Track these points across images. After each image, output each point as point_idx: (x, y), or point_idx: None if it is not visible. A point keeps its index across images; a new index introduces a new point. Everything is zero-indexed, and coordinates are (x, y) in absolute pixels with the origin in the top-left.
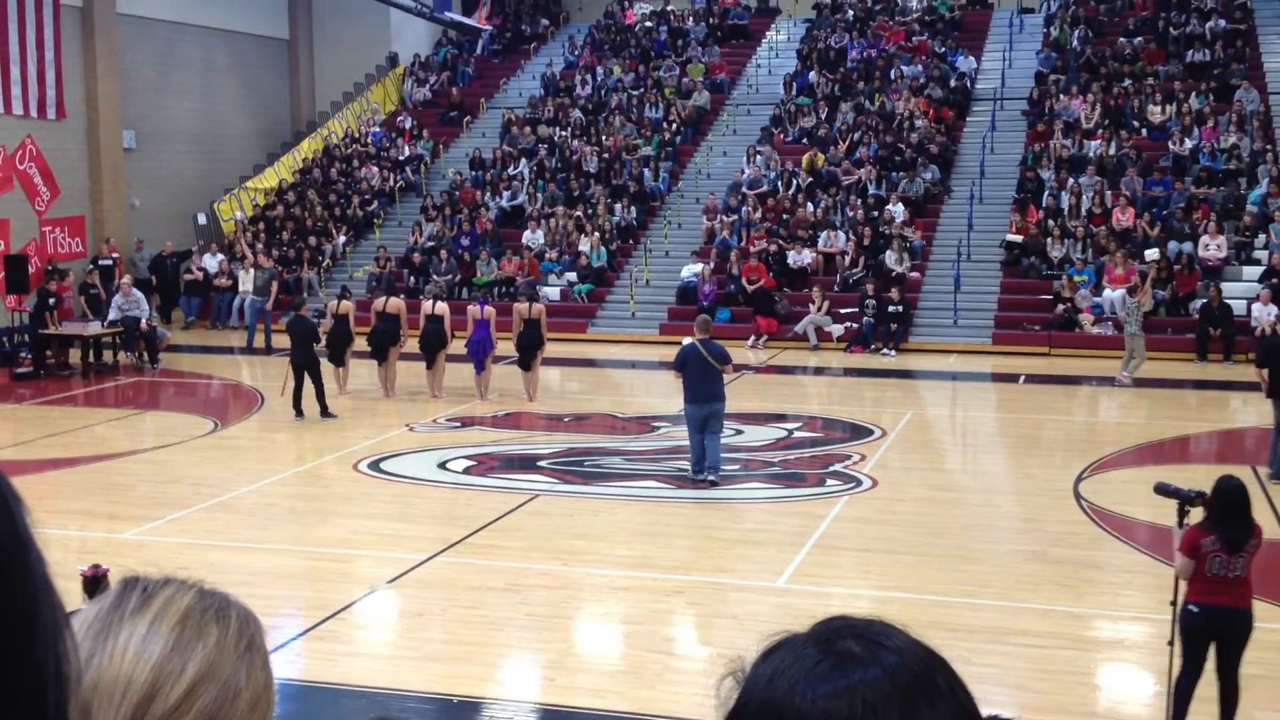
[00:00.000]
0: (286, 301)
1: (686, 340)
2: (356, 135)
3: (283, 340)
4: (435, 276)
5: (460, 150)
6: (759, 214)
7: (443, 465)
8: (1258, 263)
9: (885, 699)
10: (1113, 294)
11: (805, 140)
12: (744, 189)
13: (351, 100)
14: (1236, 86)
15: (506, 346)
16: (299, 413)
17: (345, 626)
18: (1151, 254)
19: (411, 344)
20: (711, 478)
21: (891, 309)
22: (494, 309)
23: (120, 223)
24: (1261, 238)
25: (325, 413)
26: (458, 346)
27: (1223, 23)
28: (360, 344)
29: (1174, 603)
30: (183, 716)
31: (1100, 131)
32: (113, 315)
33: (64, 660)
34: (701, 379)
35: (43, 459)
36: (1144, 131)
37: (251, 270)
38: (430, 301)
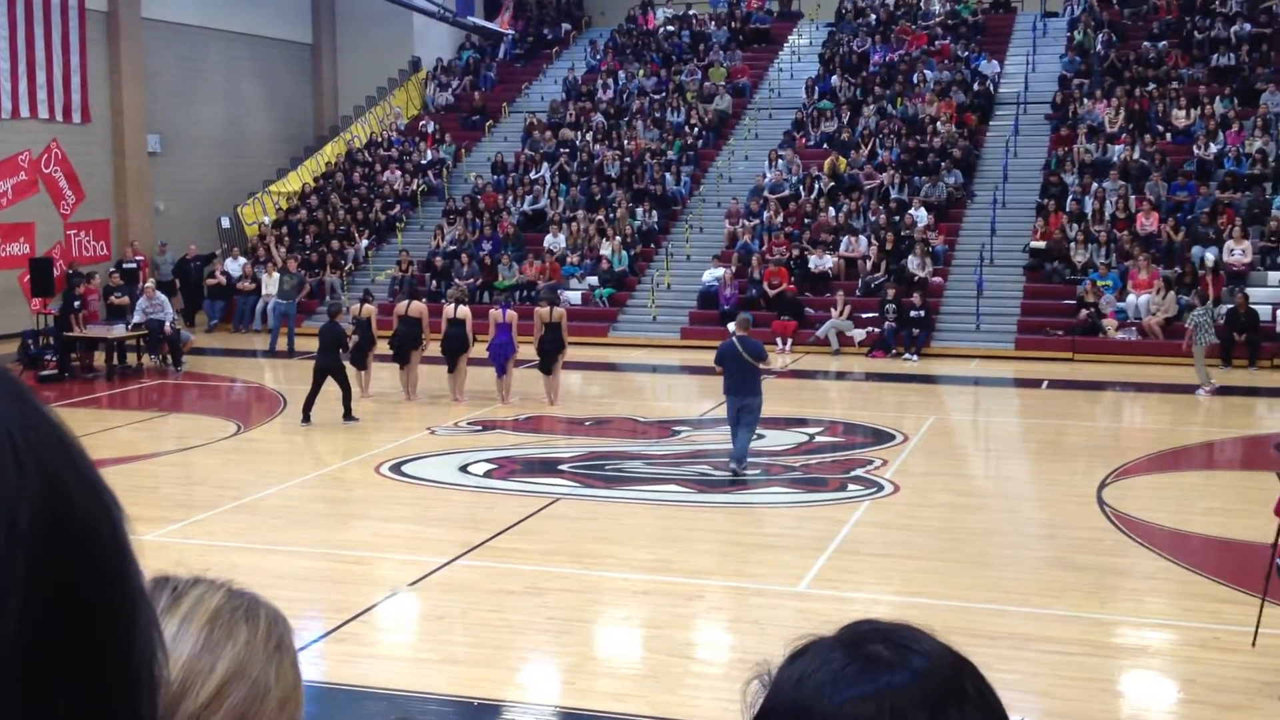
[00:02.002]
0: (310, 306)
1: (731, 326)
2: (379, 139)
3: (306, 344)
4: (457, 280)
5: (482, 154)
6: (780, 218)
7: (464, 469)
8: None
9: (913, 703)
10: (1137, 299)
11: (827, 144)
12: (766, 193)
13: (374, 104)
14: (1262, 90)
15: (528, 350)
16: (306, 418)
17: (366, 629)
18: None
19: (433, 348)
20: (734, 467)
21: (913, 314)
22: (515, 313)
23: (145, 226)
24: None
25: (349, 416)
26: (479, 350)
27: (1248, 26)
28: (382, 347)
29: (1274, 545)
30: (212, 715)
31: (1124, 136)
32: (137, 318)
33: (157, 663)
34: (738, 374)
35: None
36: (1168, 136)
37: (275, 274)
38: (452, 305)
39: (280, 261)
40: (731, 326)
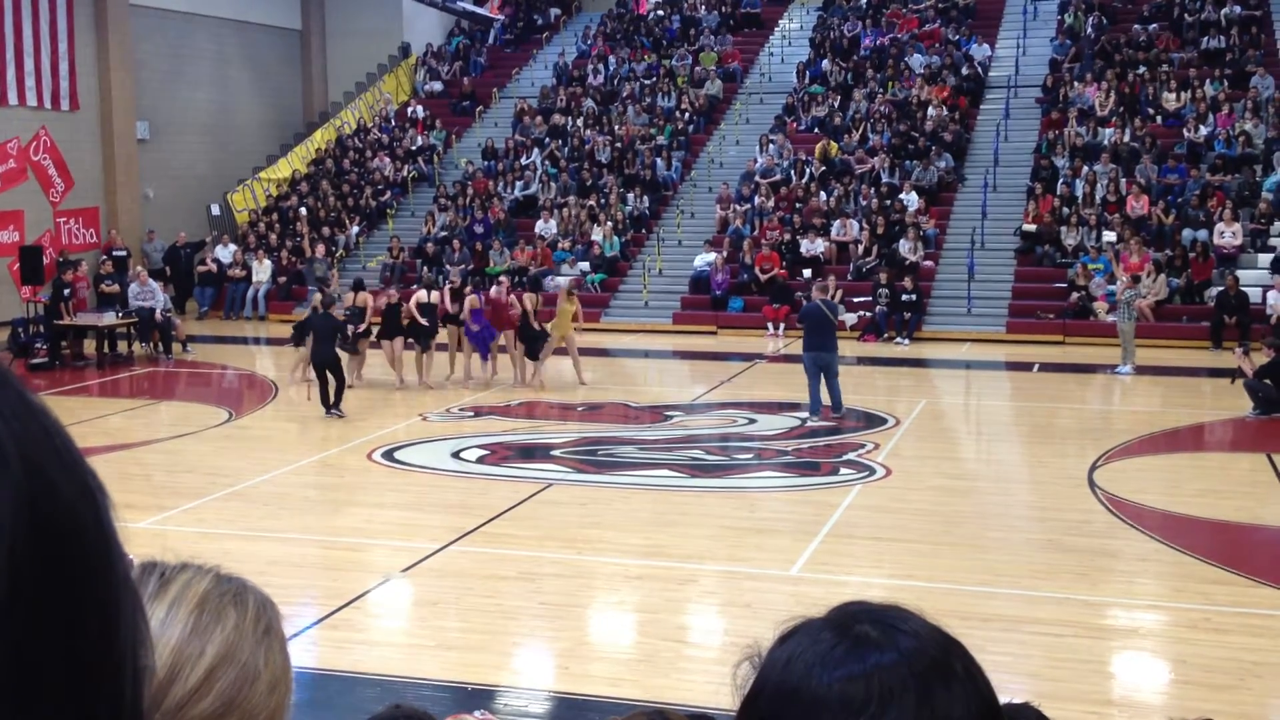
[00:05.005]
0: (300, 293)
1: (813, 290)
2: (369, 126)
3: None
4: (448, 266)
5: (473, 140)
6: (772, 203)
7: (456, 454)
8: (1273, 250)
9: (901, 683)
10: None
11: (818, 129)
12: (757, 178)
13: (364, 91)
14: (1252, 73)
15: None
16: (330, 409)
17: (360, 615)
18: (1109, 237)
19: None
20: (836, 414)
21: (905, 298)
22: (495, 291)
23: (134, 214)
24: (1277, 225)
25: (335, 408)
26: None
27: (1238, 9)
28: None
29: None
30: (202, 699)
31: (1115, 119)
32: (131, 304)
33: (142, 654)
34: (819, 332)
35: None
36: (1159, 119)
37: (266, 261)
38: (424, 291)
39: (311, 250)
40: (813, 291)
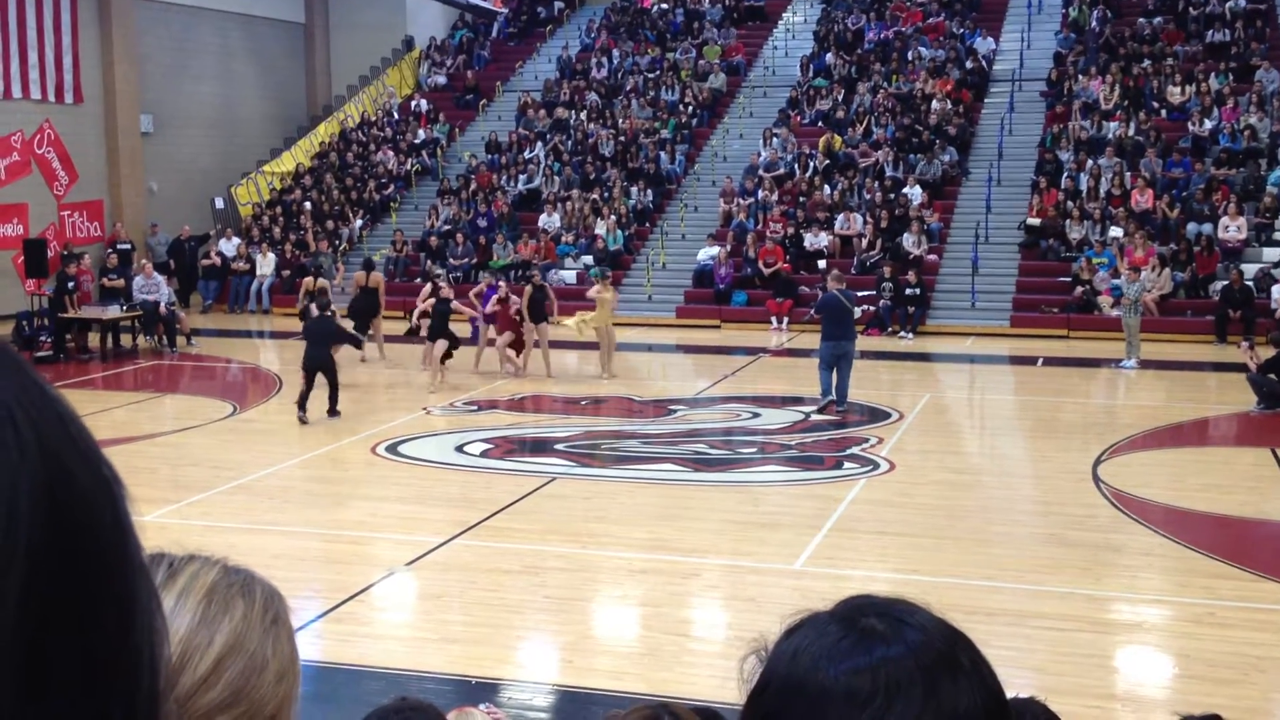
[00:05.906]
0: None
1: (829, 281)
2: (372, 119)
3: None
4: (451, 260)
5: (476, 134)
6: (775, 197)
7: (460, 448)
8: (1278, 244)
9: (908, 675)
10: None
11: (822, 122)
12: (760, 172)
13: (368, 84)
14: (1256, 67)
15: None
16: (303, 414)
17: (364, 608)
18: (1114, 232)
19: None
20: (839, 407)
21: (909, 292)
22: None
23: (138, 207)
24: None
25: (333, 411)
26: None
27: (1242, 2)
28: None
29: None
30: (210, 689)
31: (1119, 113)
32: (136, 298)
33: (158, 644)
34: (837, 322)
35: None
36: (1163, 112)
37: (270, 255)
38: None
39: (315, 244)
40: (829, 281)
